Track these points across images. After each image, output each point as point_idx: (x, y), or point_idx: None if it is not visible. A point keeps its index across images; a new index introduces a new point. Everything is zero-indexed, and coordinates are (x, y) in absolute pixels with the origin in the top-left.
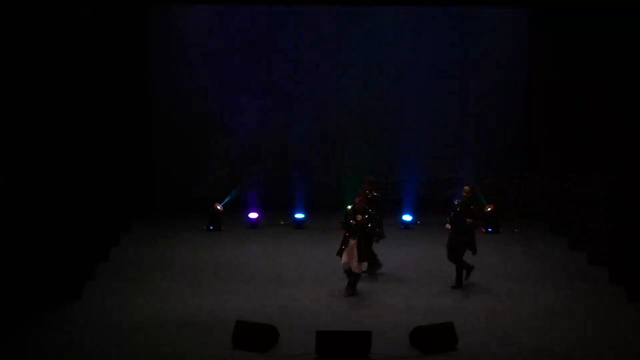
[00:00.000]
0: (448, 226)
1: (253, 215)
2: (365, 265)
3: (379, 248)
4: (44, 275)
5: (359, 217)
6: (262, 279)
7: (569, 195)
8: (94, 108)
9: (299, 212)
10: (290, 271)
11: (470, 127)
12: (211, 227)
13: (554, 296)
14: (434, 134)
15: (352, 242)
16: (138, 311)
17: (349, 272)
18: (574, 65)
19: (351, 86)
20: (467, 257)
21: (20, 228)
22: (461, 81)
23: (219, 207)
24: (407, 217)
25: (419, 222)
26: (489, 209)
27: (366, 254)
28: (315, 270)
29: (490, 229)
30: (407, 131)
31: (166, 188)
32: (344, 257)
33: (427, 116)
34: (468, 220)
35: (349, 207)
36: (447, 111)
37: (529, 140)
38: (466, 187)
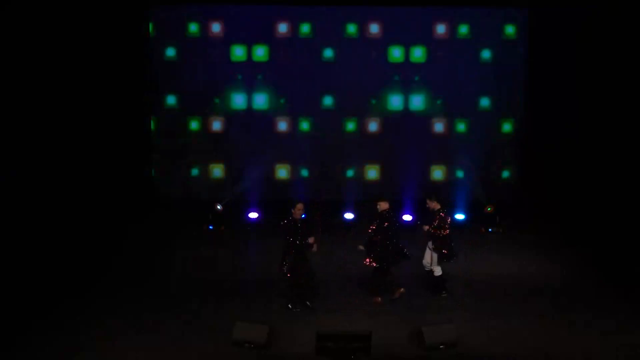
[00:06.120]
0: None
1: (407, 217)
2: None
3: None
4: (46, 275)
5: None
6: (262, 279)
7: (570, 195)
8: (95, 109)
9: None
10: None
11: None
12: (210, 227)
13: (553, 296)
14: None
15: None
16: (138, 311)
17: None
18: (574, 65)
19: (352, 86)
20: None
21: (23, 227)
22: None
23: (218, 207)
24: (407, 217)
25: (419, 222)
26: (489, 209)
27: None
28: (314, 270)
29: (490, 229)
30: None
31: (167, 188)
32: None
33: (425, 118)
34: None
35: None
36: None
37: (529, 140)
38: (381, 202)
